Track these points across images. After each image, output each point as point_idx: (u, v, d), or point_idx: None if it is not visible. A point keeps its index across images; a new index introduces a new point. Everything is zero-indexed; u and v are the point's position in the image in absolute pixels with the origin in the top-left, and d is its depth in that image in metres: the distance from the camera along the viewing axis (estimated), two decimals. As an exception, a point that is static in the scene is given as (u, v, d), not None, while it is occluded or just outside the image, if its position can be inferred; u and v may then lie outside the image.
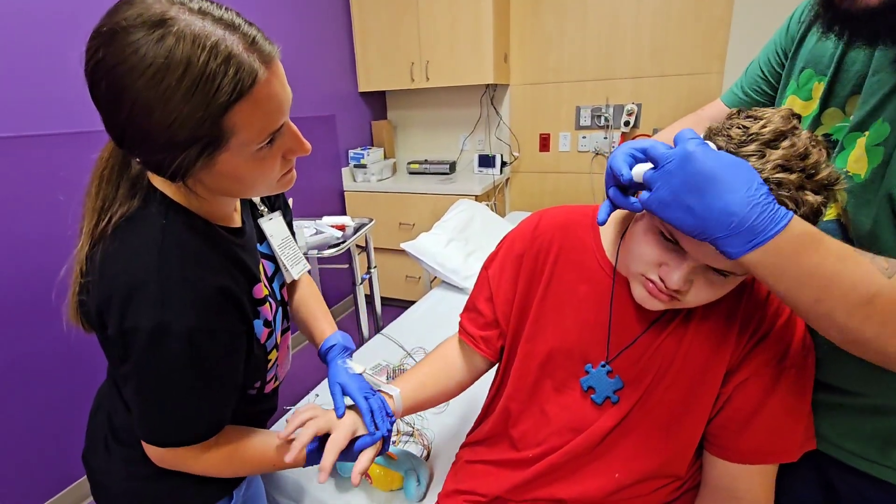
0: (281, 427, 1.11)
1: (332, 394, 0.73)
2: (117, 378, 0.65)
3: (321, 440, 0.68)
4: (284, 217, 0.81)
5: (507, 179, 3.05)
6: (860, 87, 0.56)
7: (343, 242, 1.72)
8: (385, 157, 3.04)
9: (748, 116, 0.52)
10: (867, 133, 0.53)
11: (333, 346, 0.80)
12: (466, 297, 0.86)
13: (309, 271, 0.86)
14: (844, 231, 0.57)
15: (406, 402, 0.76)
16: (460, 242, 2.05)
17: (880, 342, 0.45)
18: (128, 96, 0.44)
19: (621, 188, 0.57)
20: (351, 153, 2.88)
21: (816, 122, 0.62)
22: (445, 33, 2.56)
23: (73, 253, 0.58)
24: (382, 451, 0.71)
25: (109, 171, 0.58)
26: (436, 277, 2.08)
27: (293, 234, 0.83)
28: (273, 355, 0.71)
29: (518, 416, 0.75)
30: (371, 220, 1.95)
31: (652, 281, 0.58)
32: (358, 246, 1.92)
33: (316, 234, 1.76)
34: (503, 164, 2.93)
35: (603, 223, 0.59)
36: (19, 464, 1.50)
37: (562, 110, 2.78)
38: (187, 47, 0.44)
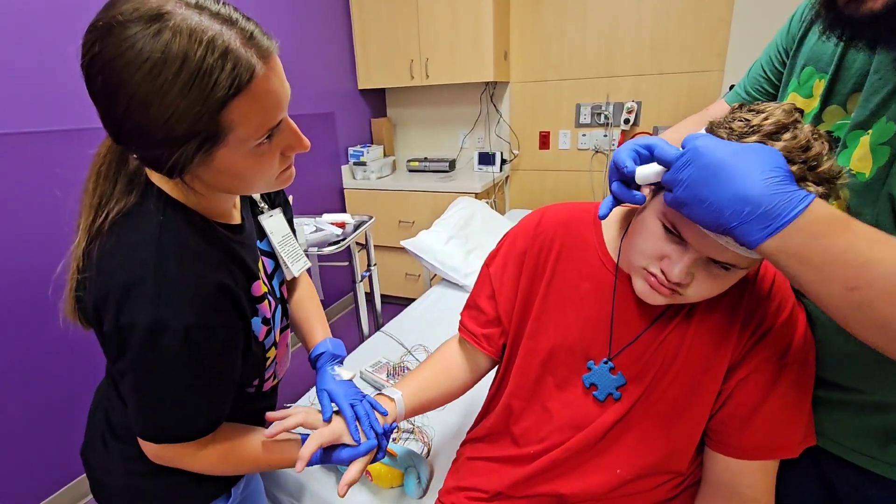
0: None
1: (320, 400, 0.72)
2: (114, 374, 0.65)
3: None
4: (285, 214, 0.80)
5: (507, 177, 3.05)
6: (861, 85, 0.56)
7: (343, 240, 1.71)
8: (385, 155, 3.04)
9: (750, 110, 0.52)
10: (870, 131, 0.53)
11: (322, 353, 0.79)
12: (466, 295, 0.86)
13: (309, 269, 0.86)
14: None
15: (408, 405, 0.75)
16: (460, 240, 2.05)
17: None
18: (124, 91, 0.44)
19: (624, 183, 0.57)
20: (350, 151, 2.88)
21: (818, 120, 0.61)
22: (445, 30, 2.55)
23: (70, 249, 0.58)
24: (376, 459, 0.70)
25: (107, 168, 0.58)
26: (435, 275, 2.08)
27: (294, 231, 0.82)
28: (272, 353, 0.71)
29: (520, 413, 0.75)
30: (371, 217, 1.94)
31: (653, 274, 0.58)
32: (358, 243, 1.92)
33: (316, 231, 1.76)
34: (503, 161, 2.93)
35: (604, 217, 0.59)
36: (19, 461, 1.50)
37: (562, 108, 2.77)
38: (184, 42, 0.43)
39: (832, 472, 0.66)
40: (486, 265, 0.82)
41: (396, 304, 2.88)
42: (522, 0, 2.67)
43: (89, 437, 0.73)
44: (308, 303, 0.88)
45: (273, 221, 0.76)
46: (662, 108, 2.56)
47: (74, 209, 0.59)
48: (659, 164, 0.52)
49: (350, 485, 0.65)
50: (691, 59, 2.43)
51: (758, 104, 0.52)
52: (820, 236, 0.42)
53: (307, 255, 0.87)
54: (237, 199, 0.69)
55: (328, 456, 0.68)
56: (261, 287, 0.67)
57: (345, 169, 2.92)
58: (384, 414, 0.72)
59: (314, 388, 1.30)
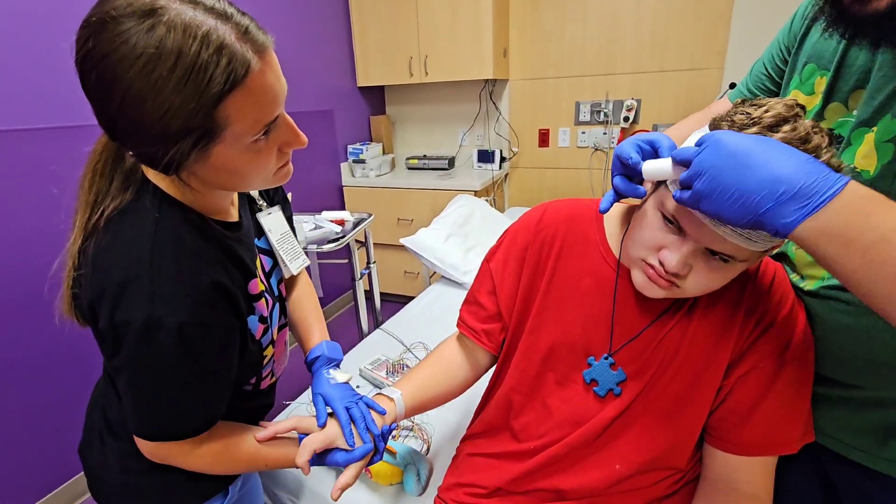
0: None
1: (315, 404, 0.71)
2: (110, 371, 0.65)
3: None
4: (284, 212, 0.80)
5: (506, 175, 3.04)
6: (863, 82, 0.55)
7: (342, 237, 1.71)
8: (384, 153, 3.03)
9: (752, 104, 0.52)
10: (875, 128, 0.53)
11: (318, 357, 0.79)
12: (466, 293, 0.86)
13: (308, 267, 0.85)
14: None
15: (408, 404, 0.75)
16: (459, 238, 2.05)
17: None
18: (118, 87, 0.44)
19: (626, 177, 0.57)
20: (350, 148, 2.87)
21: (819, 117, 0.61)
22: (444, 28, 2.55)
23: (66, 246, 0.57)
24: (374, 461, 0.70)
25: (103, 165, 0.58)
26: (435, 273, 2.08)
27: (293, 229, 0.82)
28: (269, 351, 0.71)
29: (520, 409, 0.75)
30: (370, 214, 1.94)
31: (651, 266, 0.59)
32: (357, 241, 1.92)
33: (315, 228, 1.76)
34: (502, 159, 2.92)
35: (605, 211, 0.60)
36: (17, 460, 1.50)
37: (561, 106, 2.77)
38: (178, 37, 0.43)
39: (831, 468, 0.66)
40: (487, 261, 0.82)
41: (395, 301, 2.88)
42: (522, -3, 2.67)
43: (87, 434, 0.73)
44: (306, 303, 0.87)
45: (271, 219, 0.76)
46: (662, 105, 2.55)
47: (71, 206, 0.59)
48: (676, 162, 0.51)
49: (344, 489, 0.64)
50: (691, 57, 2.43)
51: (760, 99, 0.52)
52: (866, 214, 0.38)
53: (306, 253, 0.86)
54: (235, 197, 0.69)
55: (324, 459, 0.68)
56: (258, 285, 0.66)
57: (344, 167, 2.92)
58: (382, 413, 0.72)
59: (313, 386, 1.31)
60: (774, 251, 0.59)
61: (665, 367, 0.65)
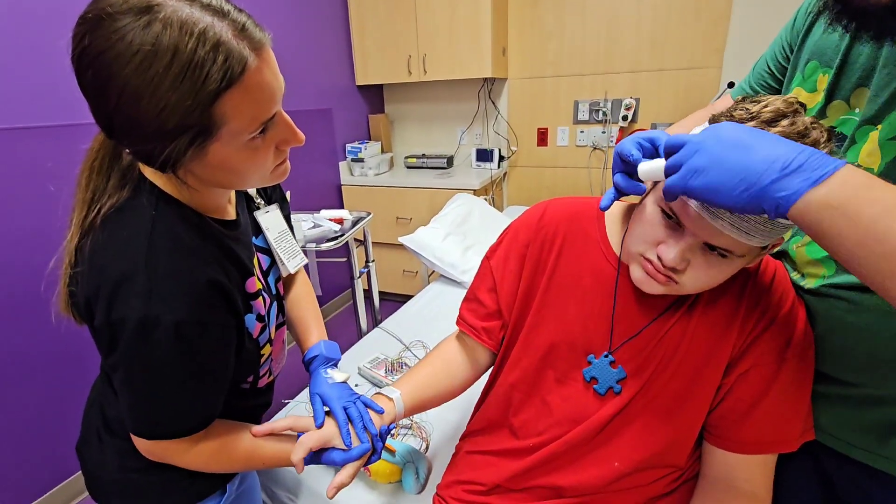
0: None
1: (312, 405, 0.71)
2: (107, 369, 0.64)
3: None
4: (282, 210, 0.80)
5: (505, 174, 3.04)
6: (866, 80, 0.55)
7: (341, 236, 1.71)
8: (382, 152, 3.03)
9: (753, 101, 0.52)
10: (880, 127, 0.53)
11: (316, 356, 0.78)
12: (465, 292, 0.86)
13: (306, 265, 0.85)
14: None
15: (407, 403, 0.75)
16: (458, 237, 2.05)
17: None
18: (115, 84, 0.43)
19: (627, 175, 0.57)
20: (348, 147, 2.87)
21: (821, 115, 0.61)
22: (443, 26, 2.54)
23: (63, 244, 0.57)
24: (371, 461, 0.70)
25: (100, 162, 0.57)
26: (433, 272, 2.07)
27: (291, 227, 0.81)
28: (266, 350, 0.71)
29: (519, 406, 0.75)
30: (369, 213, 1.94)
31: (650, 261, 0.59)
32: (356, 240, 1.91)
33: (314, 227, 1.76)
34: (501, 158, 2.92)
35: (605, 209, 0.60)
36: (16, 458, 1.50)
37: (560, 104, 2.77)
38: (174, 34, 0.43)
39: (830, 466, 0.66)
40: (487, 258, 0.82)
41: (394, 300, 2.88)
42: (520, -5, 2.67)
43: (85, 432, 0.73)
44: (304, 301, 0.87)
45: (269, 217, 0.76)
46: (661, 104, 2.55)
47: (68, 204, 0.58)
48: (668, 147, 0.50)
49: (339, 488, 0.64)
50: (690, 56, 2.42)
51: (760, 96, 0.53)
52: (868, 187, 0.38)
53: (305, 252, 0.86)
54: (232, 195, 0.69)
55: (320, 457, 0.67)
56: (255, 283, 0.66)
57: (342, 165, 2.91)
58: (380, 412, 0.71)
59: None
60: (774, 250, 0.60)
61: (665, 365, 0.65)
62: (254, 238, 0.73)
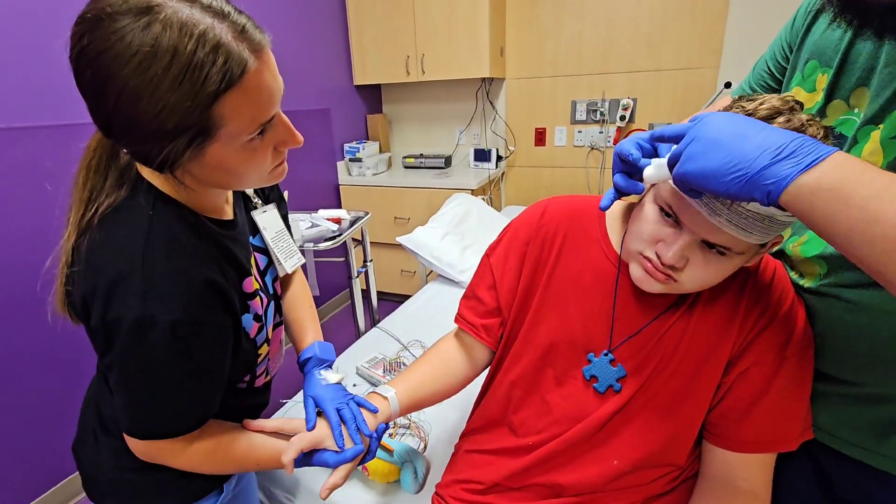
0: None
1: (305, 407, 0.71)
2: (103, 369, 0.64)
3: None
4: (280, 210, 0.80)
5: (503, 174, 3.04)
6: (865, 80, 0.55)
7: (339, 236, 1.71)
8: (380, 151, 3.03)
9: (749, 100, 0.52)
10: (881, 126, 0.53)
11: (310, 358, 0.78)
12: (462, 291, 0.85)
13: (304, 265, 0.85)
14: None
15: (403, 402, 0.74)
16: (456, 236, 2.05)
17: None
18: (114, 84, 0.43)
19: (627, 174, 0.58)
20: (346, 147, 2.87)
21: (821, 115, 0.61)
22: (441, 26, 2.54)
23: (60, 243, 0.57)
24: (365, 461, 0.70)
25: (97, 161, 0.57)
26: (431, 272, 2.07)
27: (289, 227, 0.81)
28: (263, 350, 0.70)
29: (518, 404, 0.75)
30: (367, 213, 1.94)
31: (649, 259, 0.59)
32: (354, 240, 1.91)
33: (312, 227, 1.76)
34: (499, 158, 2.92)
35: (605, 209, 0.60)
36: (13, 460, 1.49)
37: (557, 104, 2.77)
38: (174, 35, 0.43)
39: (829, 465, 0.66)
40: (487, 255, 0.82)
41: (392, 300, 2.88)
42: (518, -5, 2.67)
43: (81, 431, 0.72)
44: (300, 302, 0.87)
45: (266, 217, 0.76)
46: (658, 104, 2.56)
47: (65, 203, 0.58)
48: (667, 139, 0.52)
49: (332, 489, 0.64)
50: (687, 56, 2.43)
51: (757, 95, 0.53)
52: (860, 171, 0.38)
53: (302, 251, 0.86)
54: (229, 195, 0.69)
55: (311, 459, 0.67)
56: (252, 283, 0.66)
57: (340, 165, 2.91)
58: (374, 412, 0.71)
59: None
60: (773, 248, 0.60)
61: (665, 364, 0.65)
62: (251, 238, 0.73)
